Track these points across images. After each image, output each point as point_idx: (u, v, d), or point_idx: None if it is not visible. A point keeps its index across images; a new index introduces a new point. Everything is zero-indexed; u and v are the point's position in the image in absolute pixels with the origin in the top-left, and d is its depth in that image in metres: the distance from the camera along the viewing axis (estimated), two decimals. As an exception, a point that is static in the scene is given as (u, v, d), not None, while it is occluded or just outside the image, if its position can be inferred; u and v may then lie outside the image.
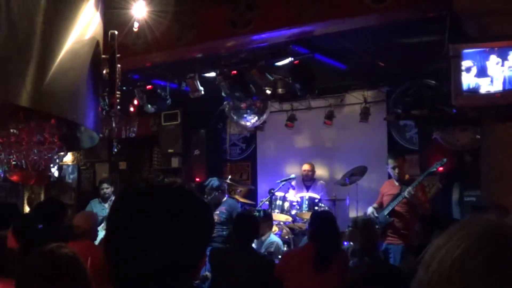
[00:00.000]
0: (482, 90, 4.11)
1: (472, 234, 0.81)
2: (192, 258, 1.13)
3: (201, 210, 1.17)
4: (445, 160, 5.96)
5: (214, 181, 6.67)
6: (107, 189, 7.55)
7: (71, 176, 10.41)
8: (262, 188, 8.57)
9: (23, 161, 3.28)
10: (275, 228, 6.81)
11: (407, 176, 6.17)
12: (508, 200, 3.96)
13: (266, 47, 6.01)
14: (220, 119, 8.92)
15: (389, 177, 6.25)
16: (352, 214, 7.29)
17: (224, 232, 6.37)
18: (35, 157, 3.27)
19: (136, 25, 4.68)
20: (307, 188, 7.67)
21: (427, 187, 7.10)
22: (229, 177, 7.96)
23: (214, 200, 6.50)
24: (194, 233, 1.12)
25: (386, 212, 5.94)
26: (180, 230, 1.09)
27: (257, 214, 6.11)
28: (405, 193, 5.78)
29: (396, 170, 6.00)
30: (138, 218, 1.09)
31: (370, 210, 6.16)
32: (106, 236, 1.16)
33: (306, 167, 7.79)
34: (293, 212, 7.15)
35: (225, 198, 6.73)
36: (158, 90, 7.35)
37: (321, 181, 7.89)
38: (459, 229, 0.84)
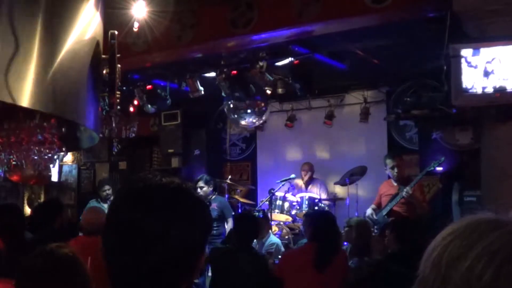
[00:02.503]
0: (482, 90, 4.11)
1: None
2: (191, 257, 1.13)
3: (199, 209, 1.17)
4: (442, 159, 5.96)
5: (206, 176, 6.83)
6: (109, 190, 7.58)
7: (71, 176, 10.41)
8: (262, 188, 8.57)
9: (23, 161, 3.28)
10: (275, 228, 6.81)
11: (406, 176, 6.18)
12: (508, 200, 3.96)
13: (266, 47, 6.01)
14: (220, 119, 8.92)
15: (389, 177, 6.25)
16: (352, 214, 7.29)
17: (214, 231, 6.35)
18: (35, 157, 3.26)
19: (136, 25, 4.68)
20: (307, 188, 7.67)
21: (427, 187, 7.11)
22: (229, 177, 7.98)
23: (203, 193, 6.53)
24: (191, 232, 1.12)
25: (384, 212, 5.95)
26: (178, 229, 1.10)
27: (256, 214, 6.12)
28: (403, 193, 5.78)
29: (395, 170, 6.00)
30: (135, 217, 1.09)
31: (368, 211, 6.17)
32: (104, 235, 1.16)
33: (305, 167, 7.81)
34: (293, 212, 7.15)
35: (214, 196, 6.75)
36: (158, 90, 7.36)
37: (321, 181, 7.89)
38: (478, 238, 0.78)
